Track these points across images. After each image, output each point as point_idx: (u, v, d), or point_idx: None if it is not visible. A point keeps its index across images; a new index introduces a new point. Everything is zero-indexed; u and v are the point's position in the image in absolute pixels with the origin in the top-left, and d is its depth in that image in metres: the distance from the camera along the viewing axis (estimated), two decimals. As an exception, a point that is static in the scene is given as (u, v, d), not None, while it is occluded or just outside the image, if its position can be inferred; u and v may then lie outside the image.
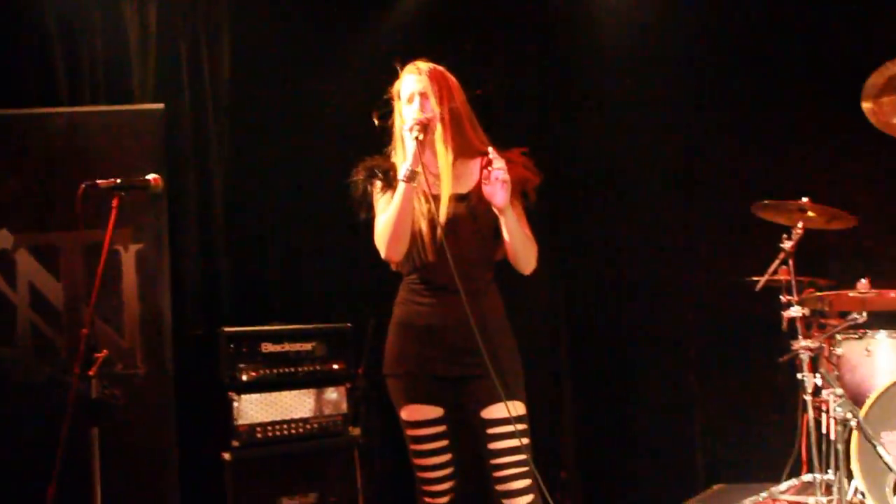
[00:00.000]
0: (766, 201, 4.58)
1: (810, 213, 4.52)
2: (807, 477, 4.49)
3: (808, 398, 4.46)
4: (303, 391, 4.88)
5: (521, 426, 3.11)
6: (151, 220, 4.62)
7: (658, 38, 5.70)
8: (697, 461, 5.75)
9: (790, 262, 4.56)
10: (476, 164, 3.25)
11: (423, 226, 3.15)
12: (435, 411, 3.20)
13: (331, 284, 5.56)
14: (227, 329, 4.78)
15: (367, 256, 5.47)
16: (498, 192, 3.01)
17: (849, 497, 3.89)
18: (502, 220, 3.08)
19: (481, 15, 5.94)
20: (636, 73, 5.69)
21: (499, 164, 3.00)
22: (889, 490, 3.68)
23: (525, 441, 3.11)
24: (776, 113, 5.53)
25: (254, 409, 4.72)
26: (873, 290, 4.28)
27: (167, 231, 4.69)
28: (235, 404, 4.67)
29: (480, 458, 3.21)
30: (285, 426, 4.80)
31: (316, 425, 4.91)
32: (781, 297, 4.77)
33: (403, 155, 3.21)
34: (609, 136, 5.79)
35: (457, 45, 5.47)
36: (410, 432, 3.22)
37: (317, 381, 4.93)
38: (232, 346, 4.74)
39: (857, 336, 4.43)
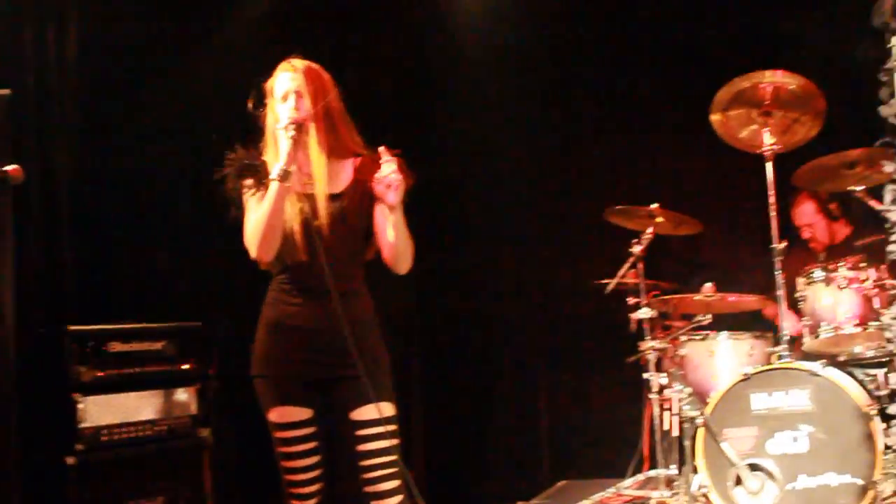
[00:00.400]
0: (617, 206, 4.76)
1: (659, 219, 4.72)
2: (651, 472, 4.68)
3: (653, 397, 4.67)
4: (151, 392, 4.71)
5: (390, 427, 3.12)
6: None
7: (514, 45, 5.80)
8: (544, 458, 5.90)
9: (639, 265, 4.76)
10: (349, 164, 3.25)
11: (296, 226, 3.12)
12: (304, 413, 3.16)
13: (183, 282, 5.39)
14: (72, 327, 4.55)
15: (222, 253, 5.47)
16: (392, 192, 3.01)
17: (693, 490, 4.06)
18: (391, 220, 3.09)
19: (336, 13, 5.89)
20: (493, 77, 5.78)
21: (392, 164, 3.00)
22: (731, 483, 3.89)
23: (395, 442, 3.13)
24: (630, 122, 5.75)
25: (99, 411, 4.52)
26: (717, 294, 4.50)
27: (11, 223, 4.43)
28: (80, 406, 4.47)
29: (349, 460, 3.21)
30: (132, 428, 4.61)
31: (164, 427, 4.74)
32: (629, 299, 4.98)
33: (276, 153, 3.16)
34: (464, 140, 5.87)
35: (314, 39, 5.43)
36: (279, 434, 3.17)
37: (166, 382, 4.77)
38: (77, 345, 4.52)
39: (700, 337, 4.65)
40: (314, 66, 3.23)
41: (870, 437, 3.74)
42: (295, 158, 3.03)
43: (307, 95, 3.14)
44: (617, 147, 5.74)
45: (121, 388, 4.57)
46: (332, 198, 3.15)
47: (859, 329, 4.16)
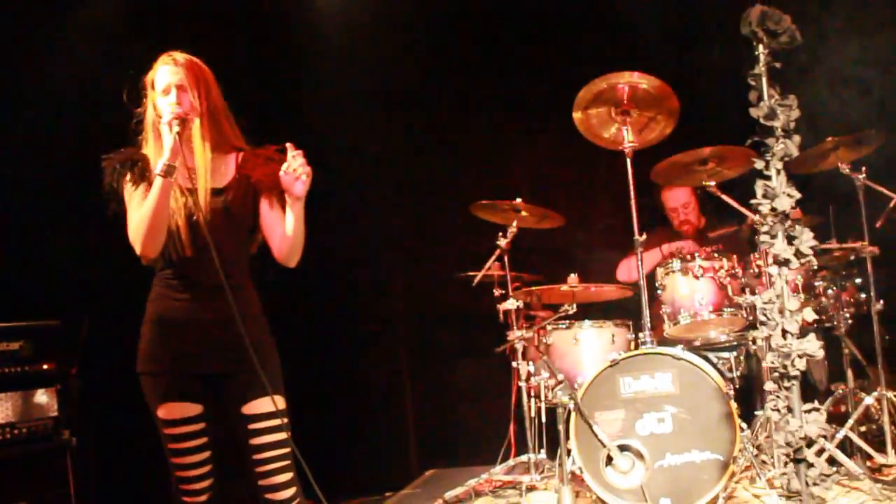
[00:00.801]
0: (483, 201, 4.90)
1: (524, 213, 4.89)
2: (521, 458, 4.84)
3: (522, 384, 4.84)
4: (8, 394, 4.56)
5: (283, 420, 3.14)
6: None
7: (377, 39, 5.85)
8: (411, 449, 5.99)
9: (505, 258, 4.92)
10: (231, 158, 3.25)
11: (181, 220, 3.10)
12: (193, 409, 3.12)
13: (40, 279, 5.19)
14: (-82, 328, 4.35)
15: (84, 249, 5.31)
16: (299, 183, 3.02)
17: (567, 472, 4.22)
18: (293, 212, 3.11)
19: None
20: (357, 74, 5.81)
21: (300, 157, 3.02)
22: (602, 464, 4.08)
23: (287, 434, 3.14)
24: (497, 118, 5.91)
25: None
26: (581, 285, 4.70)
27: None
28: (-62, 405, 4.29)
29: (240, 454, 3.21)
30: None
31: (25, 430, 4.61)
32: (495, 290, 5.14)
33: (157, 147, 3.13)
34: (327, 137, 5.88)
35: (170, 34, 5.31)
36: (168, 431, 3.12)
37: (24, 383, 4.63)
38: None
39: (565, 326, 4.84)
40: (195, 59, 3.20)
41: (729, 416, 4.00)
42: (179, 153, 3.00)
43: (190, 89, 3.12)
44: (482, 144, 5.88)
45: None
46: (216, 192, 3.15)
47: (714, 315, 4.43)
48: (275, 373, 3.17)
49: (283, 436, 3.13)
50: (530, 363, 4.87)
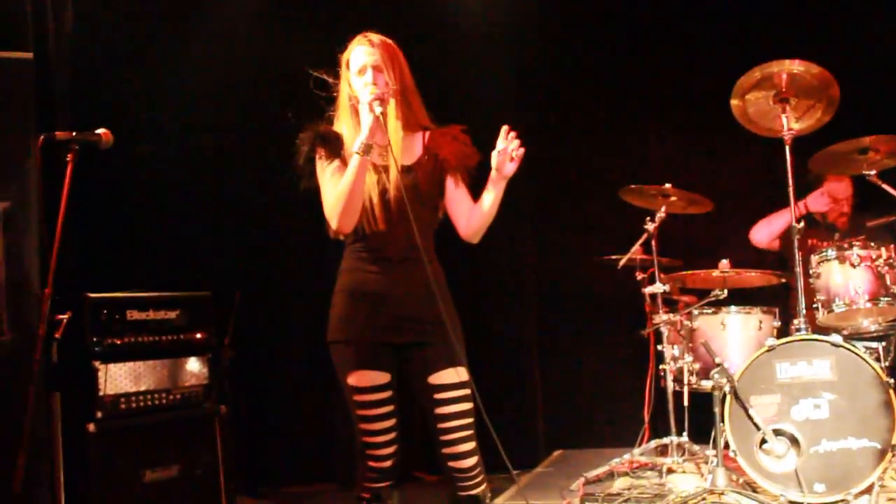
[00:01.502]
0: (632, 185, 4.95)
1: (672, 198, 4.93)
2: (664, 440, 4.89)
3: (666, 367, 4.88)
4: (165, 361, 4.74)
5: (467, 391, 3.24)
6: (19, 177, 4.30)
7: (520, 26, 5.89)
8: (538, 428, 6.06)
9: (652, 242, 4.96)
10: (418, 137, 3.36)
11: (374, 196, 3.21)
12: (383, 377, 3.24)
13: (194, 252, 5.39)
14: (91, 295, 4.54)
15: (235, 225, 5.49)
16: (511, 164, 3.14)
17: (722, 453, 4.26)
18: (495, 191, 3.21)
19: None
20: (504, 58, 5.87)
21: (515, 139, 3.12)
22: (756, 447, 4.12)
23: (471, 405, 3.25)
24: (645, 105, 5.95)
25: (118, 378, 4.54)
26: (733, 270, 4.72)
27: (37, 189, 4.38)
28: (100, 374, 4.48)
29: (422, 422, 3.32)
30: (149, 397, 4.65)
31: (178, 396, 4.79)
32: (637, 274, 5.18)
33: (354, 125, 3.26)
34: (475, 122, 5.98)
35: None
36: (358, 398, 3.24)
37: (179, 351, 4.81)
38: (98, 312, 4.51)
39: (711, 311, 4.88)
40: (388, 40, 3.31)
41: (888, 405, 4.00)
42: (376, 132, 3.10)
43: (385, 70, 3.23)
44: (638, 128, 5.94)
45: (137, 357, 4.60)
46: (406, 170, 3.25)
47: (871, 304, 4.43)
48: (460, 345, 3.27)
49: (468, 406, 3.25)
50: (674, 346, 4.91)
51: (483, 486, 3.32)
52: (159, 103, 5.37)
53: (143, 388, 4.61)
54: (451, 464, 3.26)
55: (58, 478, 3.79)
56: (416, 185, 3.26)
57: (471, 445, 3.25)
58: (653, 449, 4.98)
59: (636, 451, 4.96)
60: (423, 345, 3.23)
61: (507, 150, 3.12)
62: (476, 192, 3.32)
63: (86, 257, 4.96)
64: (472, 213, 3.32)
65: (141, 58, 5.36)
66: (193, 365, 4.84)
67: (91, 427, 4.37)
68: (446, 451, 3.25)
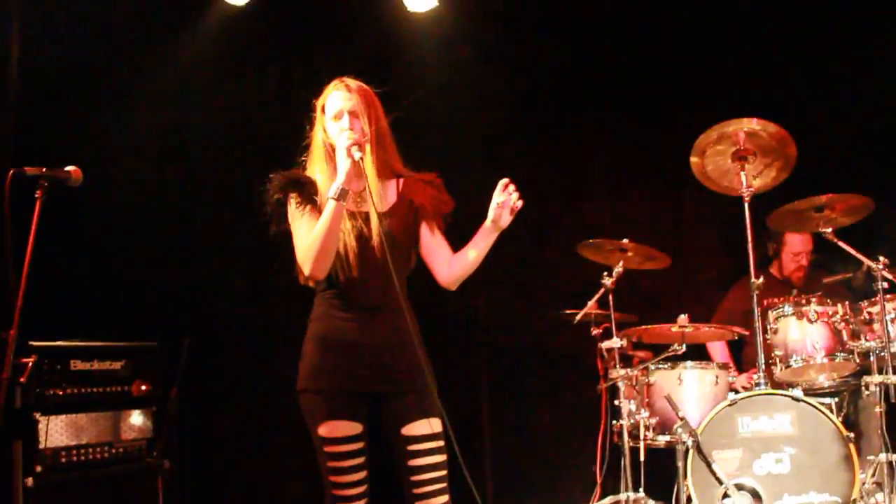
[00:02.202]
0: (589, 240, 4.98)
1: (630, 253, 4.96)
2: (620, 496, 4.85)
3: (624, 422, 4.86)
4: (108, 413, 4.61)
5: (440, 443, 3.17)
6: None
7: (480, 74, 5.94)
8: (487, 487, 5.97)
9: (609, 297, 4.98)
10: (393, 183, 3.33)
11: (350, 242, 3.16)
12: (355, 427, 3.16)
13: (138, 299, 5.22)
14: (35, 343, 4.36)
15: (186, 269, 5.34)
16: (507, 215, 3.13)
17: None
18: (486, 242, 3.21)
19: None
20: (458, 108, 5.88)
21: (513, 191, 3.11)
22: (717, 501, 4.12)
23: (445, 457, 3.18)
24: (608, 160, 6.02)
25: (58, 431, 4.37)
26: (692, 325, 4.75)
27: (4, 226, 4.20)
28: (41, 426, 4.30)
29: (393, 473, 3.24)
30: (90, 450, 4.51)
31: (121, 450, 4.65)
32: (592, 329, 5.18)
33: (328, 170, 3.23)
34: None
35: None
36: (329, 449, 3.15)
37: (123, 403, 4.68)
38: (41, 361, 4.33)
39: (667, 366, 4.89)
40: (365, 86, 3.29)
41: (848, 459, 4.05)
42: (353, 178, 3.07)
43: (361, 115, 3.20)
44: (591, 183, 6.00)
45: (80, 409, 4.47)
46: (381, 216, 3.21)
47: (827, 360, 4.49)
48: (433, 395, 3.21)
49: (441, 458, 3.19)
50: (631, 402, 4.91)
51: (455, 540, 3.24)
52: (106, 144, 5.21)
53: (84, 442, 4.48)
54: (424, 517, 3.17)
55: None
56: (391, 232, 3.22)
57: (445, 498, 3.19)
58: (610, 504, 4.94)
59: (595, 506, 4.92)
60: (398, 395, 3.17)
61: (506, 202, 3.10)
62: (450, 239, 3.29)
63: (25, 302, 4.76)
64: (454, 261, 3.29)
65: (88, 98, 5.23)
66: (137, 418, 4.71)
67: (29, 481, 4.21)
68: (420, 503, 3.16)
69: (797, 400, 4.17)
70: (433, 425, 3.16)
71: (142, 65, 5.42)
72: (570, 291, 5.43)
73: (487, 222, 3.17)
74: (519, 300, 5.96)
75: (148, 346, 4.82)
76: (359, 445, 3.17)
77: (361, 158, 3.06)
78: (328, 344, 3.19)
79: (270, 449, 5.53)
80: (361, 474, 3.19)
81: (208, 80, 5.60)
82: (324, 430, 3.14)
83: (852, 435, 4.09)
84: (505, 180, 3.14)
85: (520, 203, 3.12)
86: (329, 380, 3.16)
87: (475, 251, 3.23)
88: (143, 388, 4.73)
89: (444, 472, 3.17)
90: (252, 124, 5.64)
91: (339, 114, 3.19)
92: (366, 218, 3.19)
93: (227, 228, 5.46)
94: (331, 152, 3.22)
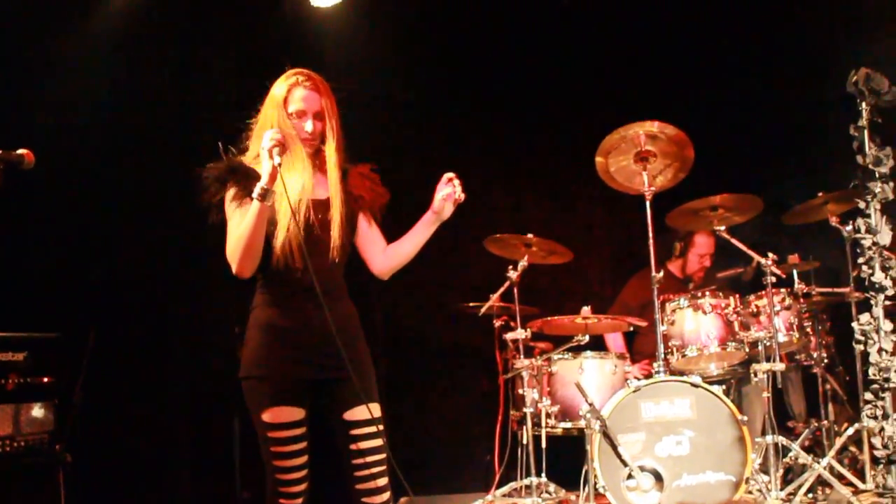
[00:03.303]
0: (496, 235, 5.15)
1: (534, 248, 5.16)
2: (525, 481, 5.05)
3: (528, 410, 5.06)
4: (8, 406, 4.46)
5: (380, 427, 3.27)
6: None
7: (389, 63, 6.02)
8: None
9: (515, 290, 5.16)
10: (335, 174, 3.38)
11: (295, 230, 3.18)
12: (298, 413, 3.21)
13: (40, 289, 5.09)
14: (-64, 332, 4.23)
15: (91, 259, 5.22)
16: (450, 207, 3.26)
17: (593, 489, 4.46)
18: (426, 233, 3.34)
19: None
20: (370, 98, 5.92)
21: (458, 184, 3.24)
22: (623, 483, 4.35)
23: (383, 441, 3.28)
24: (514, 158, 6.18)
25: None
26: (595, 316, 4.99)
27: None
28: (-66, 416, 4.18)
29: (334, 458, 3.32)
30: (-8, 443, 4.37)
31: (21, 443, 4.50)
32: (495, 321, 5.37)
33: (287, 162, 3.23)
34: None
35: None
36: (273, 434, 3.18)
37: (23, 396, 4.54)
38: (-59, 351, 4.21)
39: (569, 357, 5.12)
40: (325, 81, 3.32)
41: (741, 440, 4.36)
42: (276, 178, 3.05)
43: (328, 117, 3.27)
44: (498, 181, 6.16)
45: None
46: (322, 205, 3.28)
47: (720, 349, 4.81)
48: (372, 381, 3.31)
49: (381, 441, 3.27)
50: (534, 390, 5.11)
51: (394, 522, 3.34)
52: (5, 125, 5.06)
53: (-11, 436, 4.32)
54: (365, 500, 3.25)
55: None
56: (331, 222, 3.29)
57: (384, 481, 3.27)
58: (509, 491, 5.12)
59: (498, 492, 5.09)
60: (339, 381, 3.23)
61: (451, 194, 3.22)
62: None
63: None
64: (390, 252, 3.40)
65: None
66: (38, 411, 4.58)
67: (-70, 474, 4.06)
68: (361, 486, 3.25)
69: (695, 386, 4.45)
70: (374, 410, 3.24)
71: (50, 45, 5.29)
72: (470, 285, 5.59)
73: (430, 213, 3.29)
74: (420, 292, 6.05)
75: (50, 338, 4.70)
76: (301, 430, 3.21)
77: (280, 162, 3.03)
78: (271, 331, 3.21)
79: (173, 442, 5.47)
80: (303, 459, 3.23)
81: (109, 66, 5.51)
82: (267, 416, 3.16)
83: (746, 418, 4.40)
84: (450, 174, 3.25)
85: (462, 196, 3.24)
86: (273, 367, 3.19)
87: (411, 243, 3.36)
88: (45, 380, 4.62)
89: (383, 456, 3.26)
90: (153, 113, 5.57)
91: (302, 113, 3.23)
92: (311, 207, 3.23)
93: (134, 217, 5.38)
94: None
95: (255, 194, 3.03)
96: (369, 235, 3.42)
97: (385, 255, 3.42)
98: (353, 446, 3.23)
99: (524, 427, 5.10)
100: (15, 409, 4.48)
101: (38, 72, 5.31)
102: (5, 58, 5.18)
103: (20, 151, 2.95)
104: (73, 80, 5.30)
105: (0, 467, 4.31)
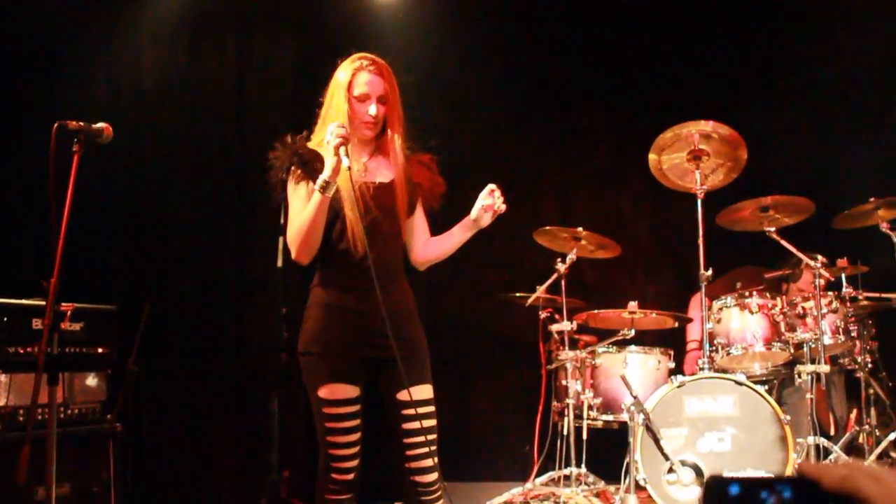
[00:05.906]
0: (546, 227, 5.20)
1: (583, 241, 5.20)
2: (564, 471, 5.10)
3: (570, 402, 5.11)
4: (63, 375, 4.57)
5: (433, 408, 3.35)
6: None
7: (448, 58, 6.08)
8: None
9: (562, 283, 5.21)
10: (399, 162, 3.43)
11: (356, 214, 3.23)
12: (353, 391, 3.29)
13: (104, 263, 5.21)
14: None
15: (149, 237, 5.34)
16: (489, 217, 3.33)
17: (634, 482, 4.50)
18: (464, 236, 3.42)
19: None
20: (426, 94, 5.99)
21: (499, 196, 3.30)
22: (663, 477, 4.40)
23: (435, 422, 3.36)
24: (566, 150, 6.23)
25: (18, 389, 4.35)
26: (641, 311, 5.03)
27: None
28: (1, 384, 4.28)
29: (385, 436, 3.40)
30: (45, 410, 4.46)
31: (75, 412, 4.62)
32: (541, 313, 5.41)
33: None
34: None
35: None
36: (328, 410, 3.26)
37: (79, 365, 4.66)
38: (1, 319, 4.32)
39: (614, 350, 5.16)
40: (387, 66, 3.38)
41: (783, 440, 4.39)
42: (339, 173, 3.12)
43: (391, 101, 3.34)
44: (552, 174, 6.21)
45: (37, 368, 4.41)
46: (383, 189, 3.34)
47: (765, 349, 4.84)
48: (426, 364, 3.39)
49: (433, 422, 3.35)
50: (577, 382, 5.16)
51: (441, 501, 3.40)
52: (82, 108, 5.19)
53: (40, 401, 4.41)
54: (415, 478, 3.33)
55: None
56: (395, 209, 3.36)
57: (434, 461, 3.33)
58: (548, 481, 5.17)
59: (537, 481, 5.15)
60: (394, 361, 3.28)
61: (492, 206, 3.28)
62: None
63: None
64: (431, 244, 3.49)
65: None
66: (92, 380, 4.69)
67: (-13, 439, 4.17)
68: (411, 465, 3.33)
69: (739, 384, 4.48)
70: (427, 392, 3.32)
71: (104, 33, 5.41)
72: (516, 276, 5.64)
73: (469, 219, 3.36)
74: (465, 279, 6.10)
75: (106, 310, 4.80)
76: (356, 408, 3.30)
77: (347, 155, 3.07)
78: (331, 310, 3.30)
79: (218, 417, 5.57)
80: (356, 435, 3.31)
81: (165, 50, 5.62)
82: (324, 391, 3.25)
83: (788, 417, 4.43)
84: (492, 186, 3.31)
85: (503, 207, 3.30)
86: (331, 344, 3.27)
87: (449, 243, 3.44)
88: (100, 350, 4.73)
89: (435, 436, 3.33)
90: (211, 99, 5.67)
91: (366, 97, 3.29)
92: (373, 190, 3.31)
93: (191, 199, 5.49)
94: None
95: (317, 186, 3.11)
96: (417, 224, 3.50)
97: (425, 247, 3.51)
98: (405, 426, 3.31)
99: (565, 418, 5.15)
100: (70, 377, 4.60)
101: (102, 52, 5.44)
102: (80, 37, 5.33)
103: (100, 125, 3.03)
104: (131, 69, 5.43)
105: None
